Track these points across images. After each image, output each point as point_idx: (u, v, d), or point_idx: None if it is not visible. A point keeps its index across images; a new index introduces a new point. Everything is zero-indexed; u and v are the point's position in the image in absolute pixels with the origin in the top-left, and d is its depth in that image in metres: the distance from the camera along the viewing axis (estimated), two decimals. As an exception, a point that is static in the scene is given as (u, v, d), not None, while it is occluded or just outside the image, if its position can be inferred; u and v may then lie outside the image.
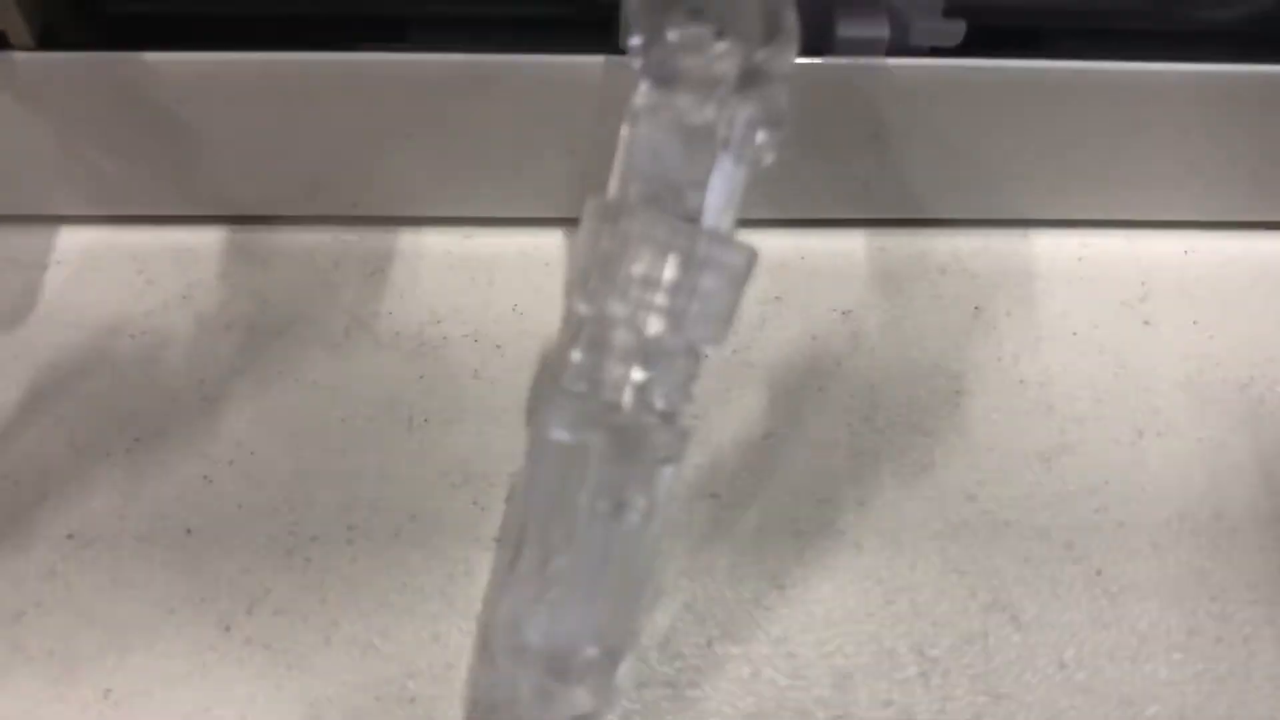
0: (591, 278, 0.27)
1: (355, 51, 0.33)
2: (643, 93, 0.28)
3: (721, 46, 0.28)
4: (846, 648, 0.31)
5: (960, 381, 0.35)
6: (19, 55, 0.32)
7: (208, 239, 0.37)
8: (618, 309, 0.26)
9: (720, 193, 0.28)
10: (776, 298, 0.37)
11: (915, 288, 0.37)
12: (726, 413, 0.35)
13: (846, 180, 0.36)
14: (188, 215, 0.38)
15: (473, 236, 0.37)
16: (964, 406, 0.35)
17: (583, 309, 0.27)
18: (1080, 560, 0.32)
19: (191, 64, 0.33)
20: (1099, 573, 0.32)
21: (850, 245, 0.37)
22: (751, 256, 0.27)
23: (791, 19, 0.29)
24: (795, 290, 0.37)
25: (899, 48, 0.34)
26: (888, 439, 0.34)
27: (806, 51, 0.33)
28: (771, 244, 0.37)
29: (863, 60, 0.33)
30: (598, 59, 0.33)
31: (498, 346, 0.35)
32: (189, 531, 0.33)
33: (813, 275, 0.37)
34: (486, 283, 0.37)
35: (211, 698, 0.30)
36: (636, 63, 0.28)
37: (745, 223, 0.37)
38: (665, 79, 0.28)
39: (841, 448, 0.34)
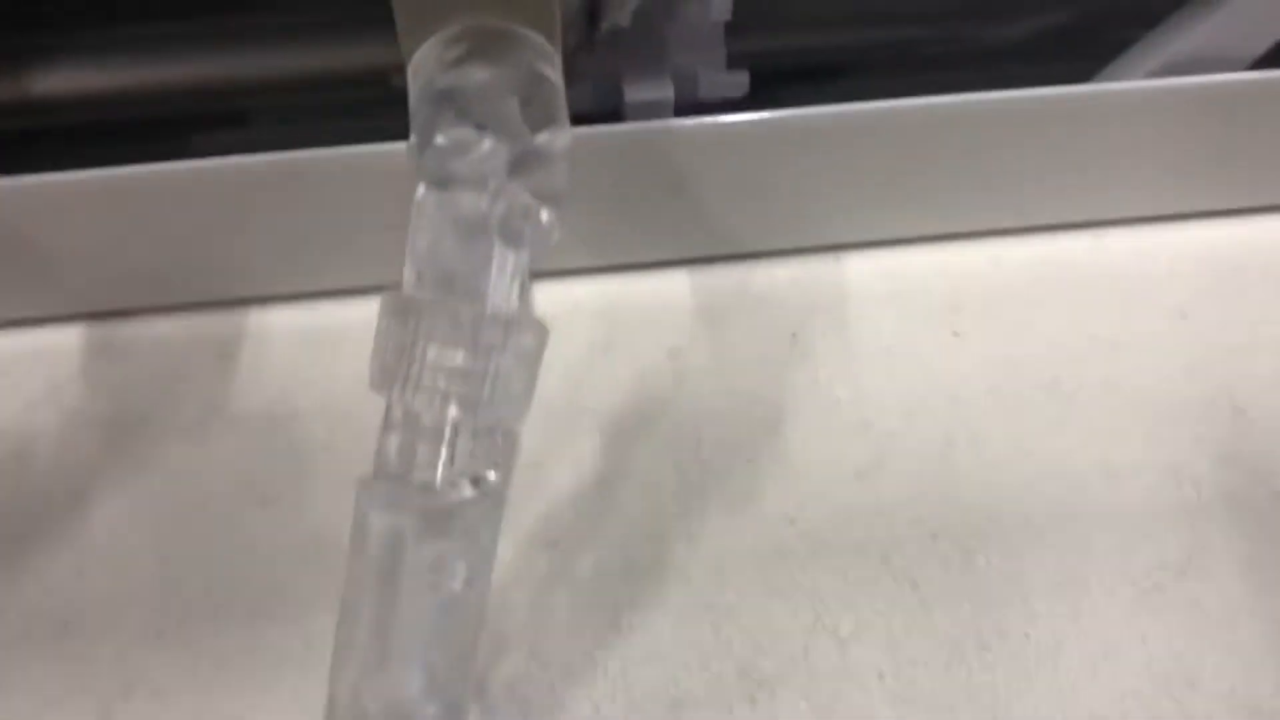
0: (391, 371, 0.29)
1: (182, 161, 0.35)
2: (421, 192, 0.30)
3: (486, 146, 0.30)
4: (680, 676, 0.34)
5: (779, 408, 0.37)
6: None
7: (67, 337, 0.39)
8: (418, 400, 0.29)
9: (503, 277, 0.30)
10: (606, 342, 0.39)
11: (735, 320, 0.39)
12: (561, 460, 0.37)
13: (660, 226, 0.38)
14: (46, 316, 0.40)
15: (317, 309, 0.39)
16: (783, 432, 0.37)
17: (389, 399, 0.29)
18: (896, 573, 0.35)
19: (37, 186, 0.35)
20: (914, 584, 0.35)
21: (673, 285, 0.39)
22: (542, 335, 0.30)
23: (561, 107, 0.31)
24: (623, 333, 0.39)
25: (689, 104, 0.36)
26: (712, 471, 0.36)
27: (599, 119, 0.35)
28: (598, 290, 0.40)
29: (652, 124, 0.35)
30: (400, 145, 0.35)
31: (345, 415, 0.37)
32: (65, 624, 0.35)
33: (639, 317, 0.39)
34: (332, 353, 0.39)
35: (94, 782, 0.33)
36: (414, 165, 0.30)
37: (568, 272, 0.39)
38: (438, 181, 0.30)
39: (669, 484, 0.36)
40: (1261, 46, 0.35)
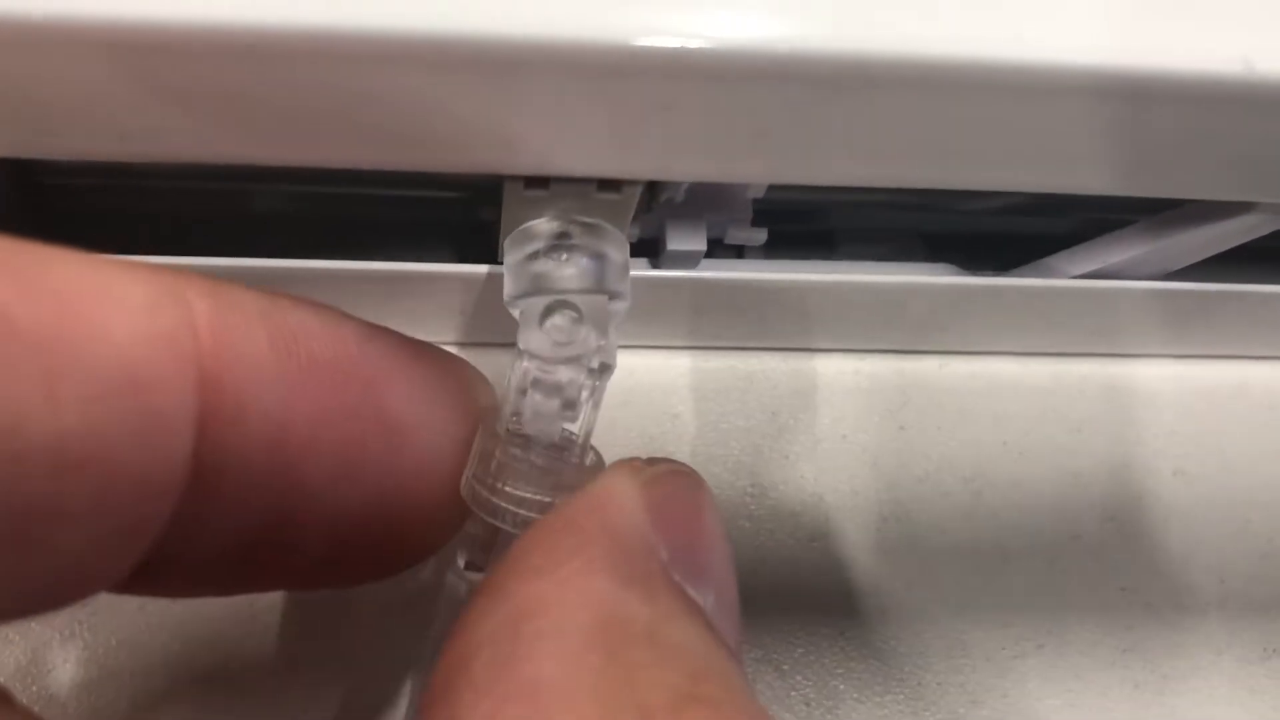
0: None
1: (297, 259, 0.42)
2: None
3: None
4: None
5: (755, 476, 0.48)
6: None
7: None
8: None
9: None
10: (623, 404, 0.48)
11: (727, 396, 0.49)
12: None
13: (675, 327, 0.48)
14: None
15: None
16: (756, 498, 0.47)
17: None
18: (830, 622, 0.46)
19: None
20: (842, 632, 0.46)
21: (678, 364, 0.49)
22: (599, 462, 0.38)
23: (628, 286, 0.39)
24: (636, 400, 0.48)
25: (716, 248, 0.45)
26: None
27: (642, 261, 0.44)
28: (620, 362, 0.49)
29: (684, 273, 0.44)
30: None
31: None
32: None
33: (651, 388, 0.49)
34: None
35: None
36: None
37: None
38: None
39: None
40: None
